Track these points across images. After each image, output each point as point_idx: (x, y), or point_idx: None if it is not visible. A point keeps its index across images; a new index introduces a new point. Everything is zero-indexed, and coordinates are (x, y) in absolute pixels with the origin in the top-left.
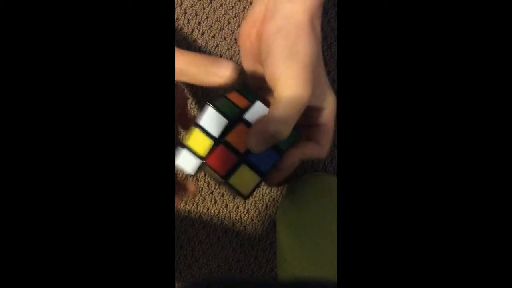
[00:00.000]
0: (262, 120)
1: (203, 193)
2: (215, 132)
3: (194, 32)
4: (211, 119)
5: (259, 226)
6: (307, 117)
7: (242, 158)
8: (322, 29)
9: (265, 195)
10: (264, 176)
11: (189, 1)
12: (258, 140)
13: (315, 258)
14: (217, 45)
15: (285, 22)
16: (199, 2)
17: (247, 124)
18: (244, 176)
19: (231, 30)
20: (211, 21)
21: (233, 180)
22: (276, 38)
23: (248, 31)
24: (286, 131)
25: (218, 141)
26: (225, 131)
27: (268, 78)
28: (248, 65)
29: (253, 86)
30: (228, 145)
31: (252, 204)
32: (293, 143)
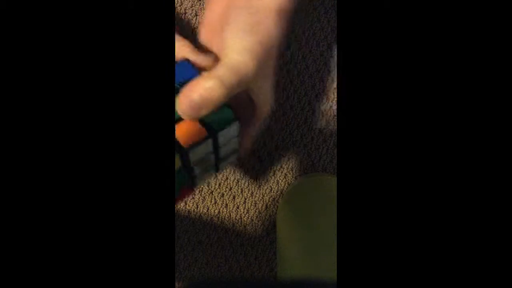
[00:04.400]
0: (197, 79)
1: (203, 193)
2: None
3: (194, 32)
4: None
5: (259, 226)
6: (243, 107)
7: None
8: (322, 29)
9: (265, 195)
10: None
11: (189, 1)
12: (186, 98)
13: (315, 258)
14: None
15: (257, 4)
16: (199, 2)
17: None
18: None
19: None
20: None
21: None
22: (242, 12)
23: (217, 1)
24: (220, 94)
25: None
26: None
27: (221, 47)
28: (205, 37)
29: (204, 61)
30: None
31: (252, 204)
32: (226, 124)
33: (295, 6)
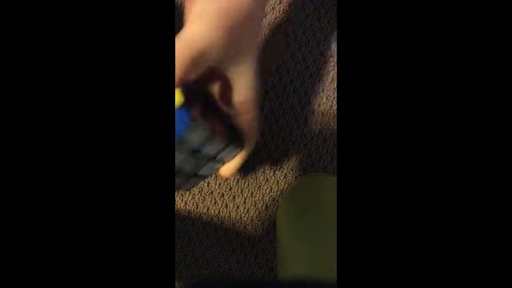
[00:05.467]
0: None
1: (203, 193)
2: None
3: None
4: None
5: (259, 226)
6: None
7: None
8: (322, 29)
9: (265, 195)
10: None
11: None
12: None
13: (315, 258)
14: None
15: None
16: None
17: None
18: None
19: None
20: None
21: None
22: None
23: None
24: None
25: None
26: None
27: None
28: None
29: None
30: None
31: (252, 204)
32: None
33: None
